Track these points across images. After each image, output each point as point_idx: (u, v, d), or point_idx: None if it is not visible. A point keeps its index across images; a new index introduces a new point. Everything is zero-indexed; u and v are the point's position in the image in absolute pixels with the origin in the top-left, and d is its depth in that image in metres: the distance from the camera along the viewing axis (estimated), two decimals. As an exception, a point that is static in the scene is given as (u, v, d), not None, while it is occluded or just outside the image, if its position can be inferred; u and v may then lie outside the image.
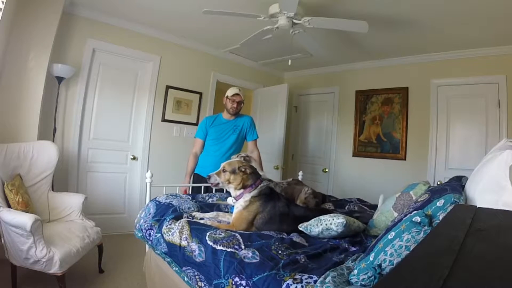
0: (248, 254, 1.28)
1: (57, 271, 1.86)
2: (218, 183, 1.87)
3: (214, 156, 2.71)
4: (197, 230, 1.57)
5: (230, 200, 2.25)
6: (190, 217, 1.83)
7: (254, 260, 1.25)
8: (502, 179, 1.07)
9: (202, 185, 2.64)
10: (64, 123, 3.15)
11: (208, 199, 2.30)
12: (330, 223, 1.53)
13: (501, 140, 1.41)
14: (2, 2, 2.24)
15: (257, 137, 2.89)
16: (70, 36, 3.12)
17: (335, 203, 2.49)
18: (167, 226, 1.72)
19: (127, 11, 3.20)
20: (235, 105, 2.72)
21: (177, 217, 1.79)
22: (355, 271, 1.08)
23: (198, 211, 1.96)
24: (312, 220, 1.61)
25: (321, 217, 1.60)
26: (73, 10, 3.10)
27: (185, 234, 1.58)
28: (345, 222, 1.51)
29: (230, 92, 2.72)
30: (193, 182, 2.74)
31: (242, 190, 1.79)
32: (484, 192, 1.15)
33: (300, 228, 1.65)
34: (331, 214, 1.61)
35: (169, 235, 1.66)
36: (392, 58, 3.93)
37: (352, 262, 1.26)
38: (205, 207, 2.06)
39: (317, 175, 4.63)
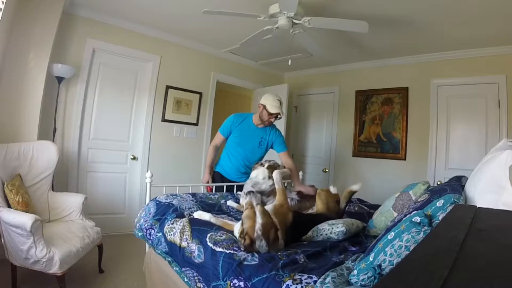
0: (247, 256, 1.28)
1: (57, 271, 1.86)
2: None
3: (234, 158, 2.65)
4: (198, 231, 1.57)
5: (230, 202, 2.24)
6: (193, 216, 1.82)
7: (253, 262, 1.24)
8: (502, 179, 1.07)
9: (201, 185, 2.62)
10: (64, 123, 3.15)
11: (208, 197, 2.29)
12: (330, 233, 1.52)
13: (501, 140, 1.41)
14: (2, 2, 2.24)
15: (287, 149, 2.72)
16: (70, 36, 3.12)
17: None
18: (169, 225, 1.72)
19: (127, 11, 3.20)
20: (272, 120, 2.56)
21: (179, 216, 1.78)
22: (355, 271, 1.08)
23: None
24: (311, 232, 1.58)
25: (319, 226, 1.57)
26: (73, 10, 3.10)
27: (185, 235, 1.58)
28: (345, 231, 1.50)
29: (272, 109, 2.49)
30: (214, 180, 2.69)
31: None
32: (484, 192, 1.15)
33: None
34: (329, 222, 1.58)
35: (171, 234, 1.66)
36: (392, 58, 3.93)
37: (352, 262, 1.26)
38: (206, 206, 2.05)
39: (317, 175, 4.63)
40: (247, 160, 2.64)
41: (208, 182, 2.64)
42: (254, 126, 2.63)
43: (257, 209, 1.36)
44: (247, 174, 2.59)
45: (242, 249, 1.33)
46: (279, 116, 2.57)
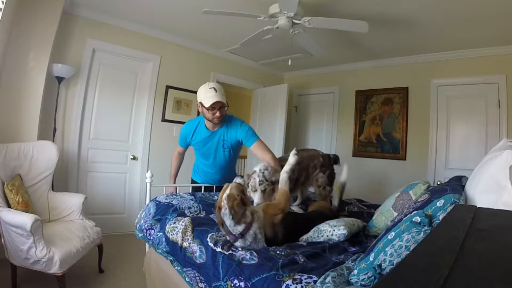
0: (246, 256, 1.28)
1: (57, 271, 1.86)
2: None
3: (209, 168, 2.38)
4: (200, 231, 1.57)
5: None
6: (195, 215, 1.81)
7: (252, 262, 1.24)
8: (502, 179, 1.07)
9: (201, 185, 2.57)
10: (64, 123, 3.16)
11: (209, 197, 2.28)
12: (331, 234, 1.51)
13: (501, 140, 1.41)
14: (2, 2, 2.24)
15: (258, 138, 2.19)
16: (70, 36, 3.12)
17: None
18: (170, 225, 1.71)
19: (127, 11, 3.20)
20: (218, 115, 2.00)
21: (180, 216, 1.78)
22: (355, 271, 1.08)
23: (200, 211, 1.95)
24: (312, 231, 1.58)
25: (321, 227, 1.56)
26: (73, 10, 3.10)
27: (187, 235, 1.58)
28: (346, 234, 1.49)
29: (207, 102, 1.95)
30: (194, 190, 2.47)
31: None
32: (484, 192, 1.15)
33: (301, 242, 1.57)
34: (330, 223, 1.57)
35: (173, 234, 1.65)
36: (392, 58, 3.94)
37: (352, 262, 1.25)
38: (206, 206, 2.05)
39: (317, 175, 4.62)
40: (221, 168, 2.32)
41: (173, 193, 2.25)
42: (208, 131, 2.15)
43: (230, 186, 1.43)
44: (232, 176, 2.40)
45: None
46: (226, 108, 2.03)
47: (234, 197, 1.37)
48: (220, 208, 1.38)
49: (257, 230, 1.41)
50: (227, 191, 1.39)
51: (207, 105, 1.96)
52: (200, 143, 2.22)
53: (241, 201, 1.37)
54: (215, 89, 1.97)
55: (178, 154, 2.46)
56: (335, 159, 2.37)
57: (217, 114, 2.00)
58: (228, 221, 1.35)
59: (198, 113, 4.10)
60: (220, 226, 1.40)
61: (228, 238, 1.39)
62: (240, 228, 1.35)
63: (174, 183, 2.48)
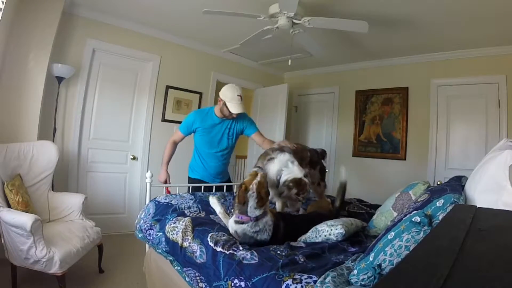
0: (246, 256, 1.28)
1: (57, 271, 1.86)
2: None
3: (210, 158, 2.49)
4: (200, 231, 1.57)
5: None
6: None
7: (253, 261, 1.25)
8: (501, 179, 1.07)
9: (201, 185, 2.57)
10: (64, 123, 3.15)
11: (209, 196, 2.28)
12: (329, 234, 1.51)
13: (501, 140, 1.41)
14: (2, 2, 2.24)
15: (257, 128, 2.56)
16: (70, 36, 3.12)
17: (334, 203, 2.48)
18: (171, 224, 1.71)
19: (127, 11, 3.20)
20: (234, 116, 2.35)
21: (180, 215, 1.78)
22: (355, 271, 1.08)
23: (200, 211, 1.95)
24: (310, 232, 1.58)
25: (319, 227, 1.57)
26: (73, 10, 3.10)
27: (188, 235, 1.58)
28: (344, 233, 1.49)
29: (233, 109, 2.27)
30: (193, 187, 2.52)
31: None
32: (484, 192, 1.15)
33: (300, 242, 1.57)
34: (328, 223, 1.57)
35: (173, 234, 1.65)
36: (392, 58, 3.94)
37: (352, 262, 1.26)
38: (205, 206, 2.05)
39: (317, 175, 4.62)
40: (221, 159, 2.51)
41: (166, 182, 2.46)
42: (218, 119, 2.41)
43: (260, 174, 1.54)
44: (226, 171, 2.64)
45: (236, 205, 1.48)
46: None
47: (263, 186, 1.49)
48: (246, 189, 1.48)
49: (269, 219, 1.50)
50: (258, 178, 1.51)
51: (233, 111, 2.28)
52: (208, 129, 2.41)
53: (266, 193, 1.51)
54: (241, 98, 2.31)
55: (174, 143, 2.54)
56: (322, 154, 2.38)
57: (234, 115, 2.34)
58: (252, 203, 1.45)
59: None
60: (237, 204, 1.47)
61: (237, 218, 1.47)
62: (258, 212, 1.46)
63: (167, 170, 2.53)
